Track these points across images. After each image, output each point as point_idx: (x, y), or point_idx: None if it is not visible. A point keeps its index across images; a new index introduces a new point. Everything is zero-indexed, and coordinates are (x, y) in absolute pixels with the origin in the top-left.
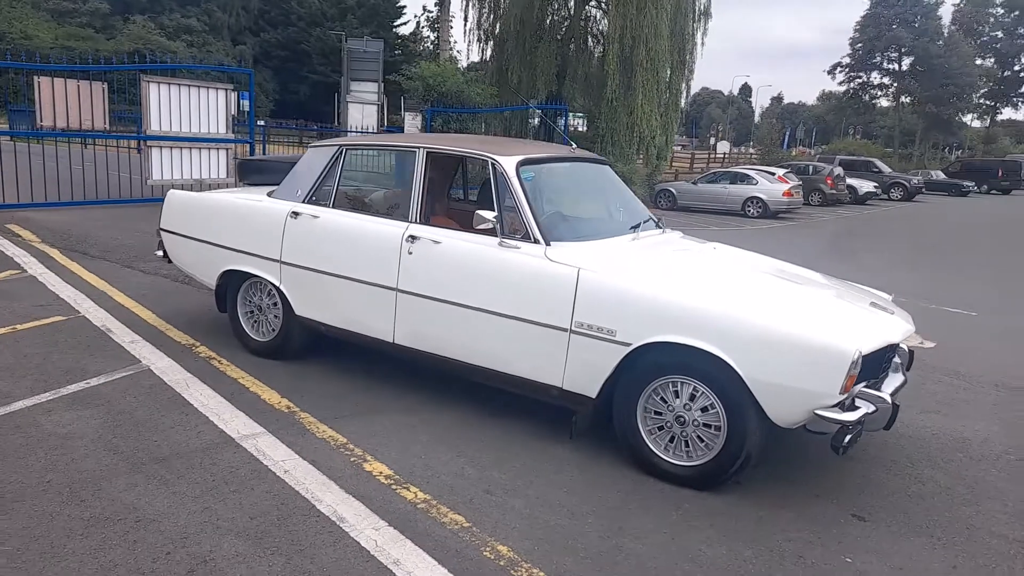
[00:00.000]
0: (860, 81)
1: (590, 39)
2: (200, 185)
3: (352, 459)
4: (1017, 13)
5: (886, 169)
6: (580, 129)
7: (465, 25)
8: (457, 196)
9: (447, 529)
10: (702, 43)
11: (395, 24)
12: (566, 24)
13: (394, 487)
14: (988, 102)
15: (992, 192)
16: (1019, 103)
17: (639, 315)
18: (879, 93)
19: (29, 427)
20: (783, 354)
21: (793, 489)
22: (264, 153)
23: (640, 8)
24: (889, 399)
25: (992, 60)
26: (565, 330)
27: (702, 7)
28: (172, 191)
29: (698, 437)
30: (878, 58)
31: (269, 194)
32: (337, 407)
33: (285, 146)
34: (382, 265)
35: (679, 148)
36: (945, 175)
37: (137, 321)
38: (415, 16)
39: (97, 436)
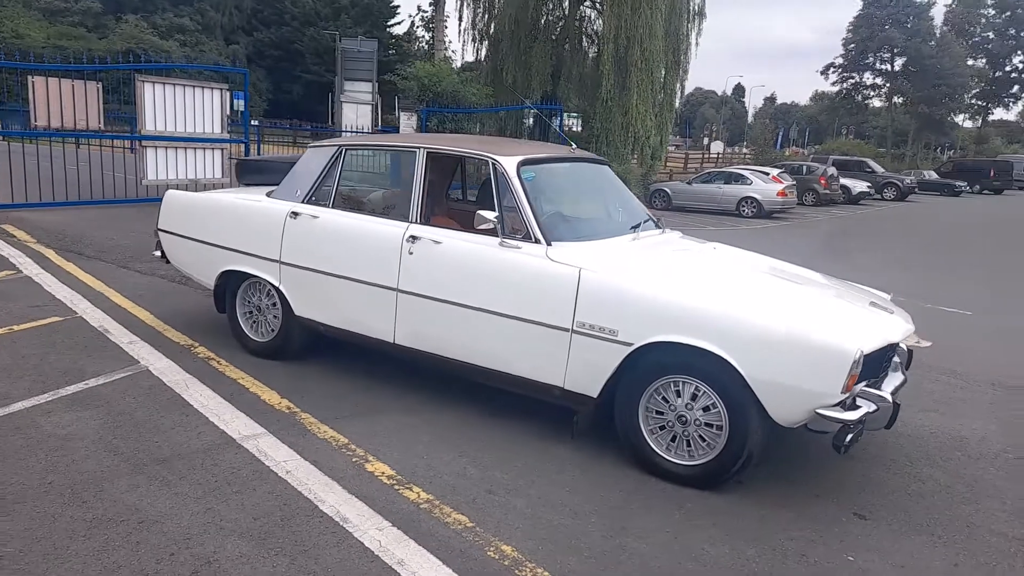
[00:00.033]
0: (853, 81)
1: (584, 39)
2: (195, 185)
3: (354, 459)
4: (1008, 14)
5: (879, 169)
6: (575, 129)
7: (460, 25)
8: (455, 196)
9: (450, 529)
10: (696, 43)
11: (389, 24)
12: (561, 24)
13: (397, 487)
14: (980, 102)
15: (984, 192)
16: (1010, 103)
17: (641, 315)
18: (872, 93)
19: (29, 428)
20: (785, 353)
21: (794, 488)
22: (258, 153)
23: (635, 8)
24: (890, 398)
25: (983, 61)
26: (567, 330)
27: (696, 7)
28: (170, 191)
29: (700, 436)
30: (871, 58)
31: (268, 194)
32: (337, 407)
33: (279, 146)
34: (382, 265)
35: (673, 148)
36: (937, 175)
37: (135, 322)
38: (409, 16)
39: (97, 437)
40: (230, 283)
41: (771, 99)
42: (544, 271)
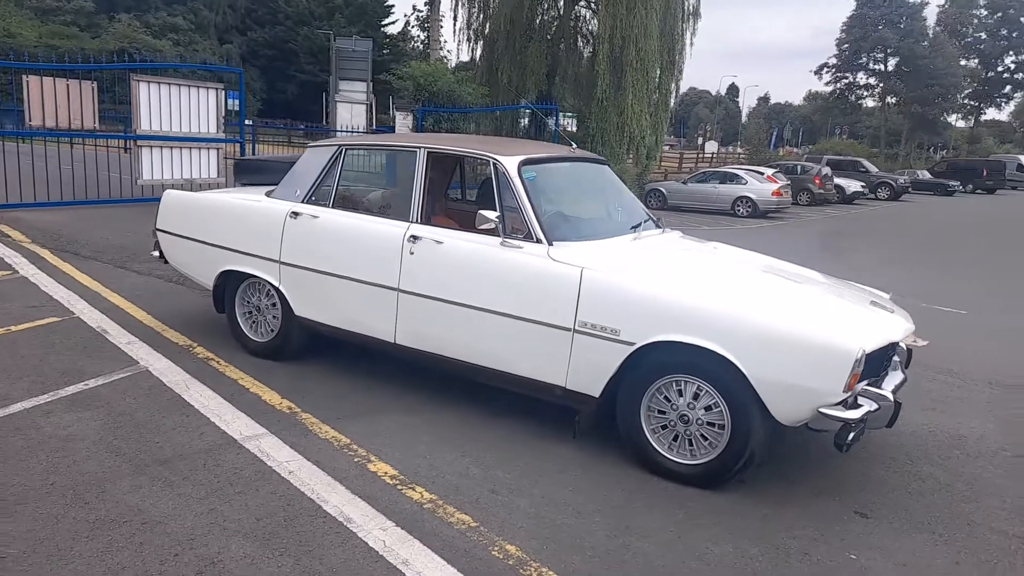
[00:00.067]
0: (847, 81)
1: (580, 39)
2: (190, 185)
3: (356, 459)
4: (1000, 15)
5: (873, 169)
6: (570, 129)
7: (455, 25)
8: (454, 196)
9: (454, 529)
10: (691, 43)
11: (383, 23)
12: (556, 24)
13: (399, 487)
14: (972, 102)
15: (977, 191)
16: (1002, 103)
17: (643, 314)
18: (865, 93)
19: (29, 429)
20: (787, 353)
21: (795, 487)
22: (253, 153)
23: (630, 8)
24: (891, 397)
25: (976, 61)
26: (569, 330)
27: (691, 7)
28: (168, 191)
29: (702, 436)
30: (864, 59)
31: (267, 194)
32: (338, 407)
33: (273, 146)
34: (383, 265)
35: (667, 148)
36: (931, 175)
37: (132, 322)
38: (404, 15)
39: (98, 438)
40: (229, 283)
41: (765, 99)
42: (546, 271)
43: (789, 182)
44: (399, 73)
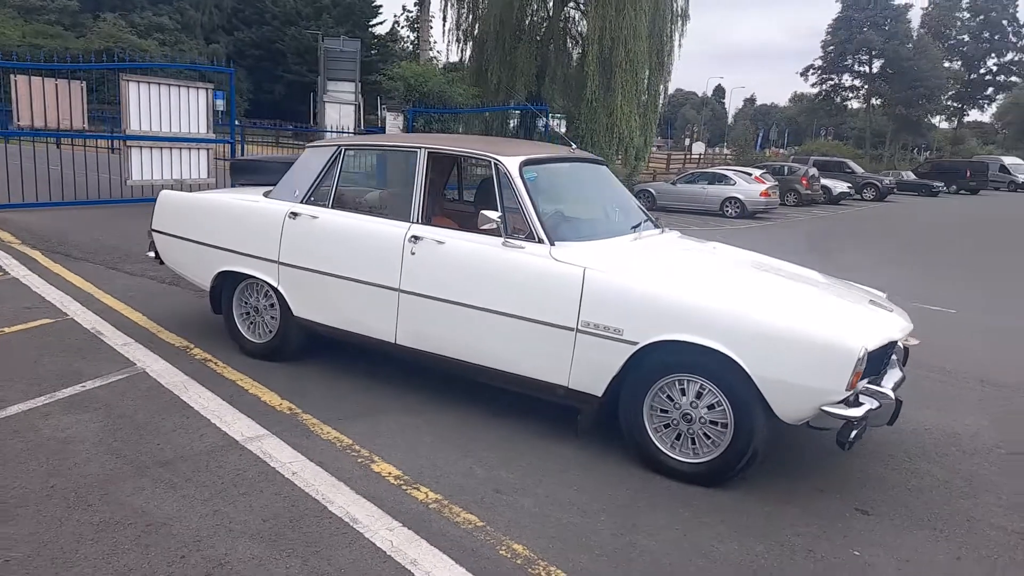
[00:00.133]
0: (832, 83)
1: (569, 40)
2: (180, 186)
3: (359, 460)
4: (982, 17)
5: (859, 170)
6: (559, 130)
7: (444, 25)
8: (451, 196)
9: (461, 529)
10: (680, 44)
11: (371, 24)
12: (545, 25)
13: (404, 488)
14: (955, 104)
15: (961, 192)
16: (984, 105)
17: (646, 314)
18: (850, 95)
19: (27, 432)
20: (790, 351)
21: (797, 484)
22: (242, 153)
23: (619, 10)
24: (892, 395)
25: (959, 63)
26: (571, 329)
27: (680, 9)
28: (164, 191)
29: (705, 434)
30: (849, 60)
31: (265, 194)
32: (339, 408)
33: (261, 146)
34: (384, 265)
35: (655, 149)
36: (915, 176)
37: (127, 323)
38: (394, 16)
39: (98, 440)
40: (227, 284)
41: (751, 100)
42: (548, 271)
43: (777, 183)
44: (389, 73)
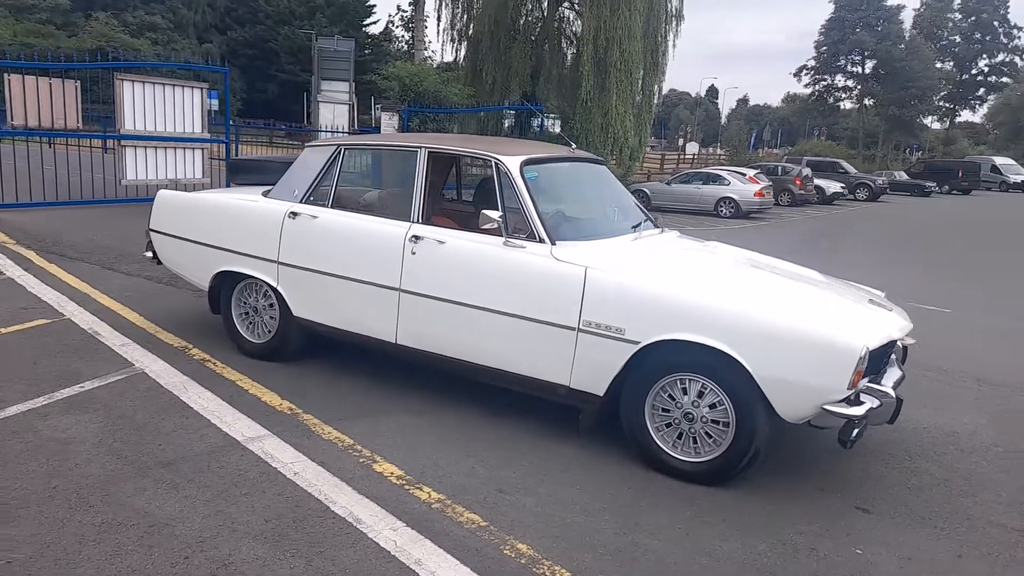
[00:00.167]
0: (825, 84)
1: (564, 40)
2: (175, 185)
3: (361, 460)
4: (973, 18)
5: (852, 170)
6: (553, 130)
7: (439, 25)
8: (449, 196)
9: (464, 528)
10: (674, 45)
11: (364, 23)
12: (540, 25)
13: (407, 488)
14: (947, 104)
15: (953, 192)
16: (976, 106)
17: (648, 313)
18: (843, 95)
19: (26, 432)
20: (792, 350)
21: (797, 483)
22: (237, 153)
23: (614, 10)
24: (893, 393)
25: (951, 64)
26: (573, 329)
27: (674, 9)
28: (162, 191)
29: (706, 433)
30: (842, 61)
31: (264, 194)
32: (339, 408)
33: (255, 146)
34: (384, 265)
35: (648, 149)
36: (908, 176)
37: (125, 323)
38: (388, 15)
39: (98, 440)
40: (225, 284)
41: (744, 101)
42: (550, 270)
43: (771, 183)
44: (385, 73)
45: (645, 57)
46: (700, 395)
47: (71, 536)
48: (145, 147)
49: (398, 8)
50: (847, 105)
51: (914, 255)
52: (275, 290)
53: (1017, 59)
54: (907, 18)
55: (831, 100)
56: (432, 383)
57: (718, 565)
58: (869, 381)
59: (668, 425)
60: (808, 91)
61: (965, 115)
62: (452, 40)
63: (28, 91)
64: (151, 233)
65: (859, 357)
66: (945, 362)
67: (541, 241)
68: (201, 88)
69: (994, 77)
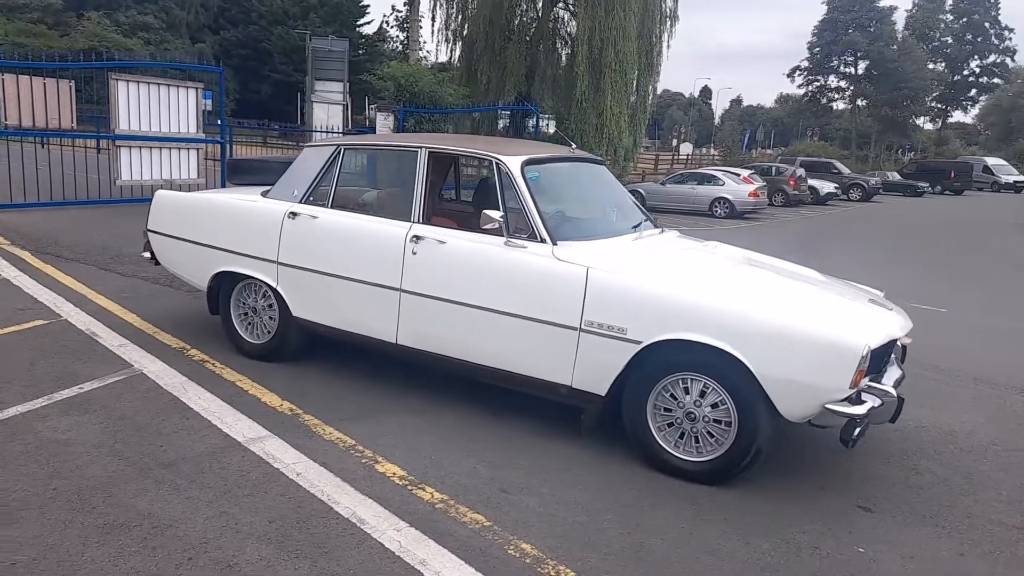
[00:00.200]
0: (818, 84)
1: (558, 41)
2: (170, 186)
3: (363, 461)
4: (965, 20)
5: (845, 170)
6: (548, 130)
7: (433, 25)
8: (447, 196)
9: (468, 528)
10: (668, 45)
11: (358, 23)
12: (535, 26)
13: (409, 488)
14: (939, 105)
15: (945, 193)
16: (968, 106)
17: (650, 313)
18: (836, 96)
19: (26, 434)
20: (794, 350)
21: (798, 482)
22: (231, 153)
23: (608, 10)
24: (894, 392)
25: (943, 65)
26: (575, 329)
27: (669, 10)
28: (160, 191)
29: (708, 433)
30: (835, 62)
31: (263, 194)
32: (340, 408)
33: (248, 146)
34: (385, 265)
35: (642, 149)
36: (900, 176)
37: (122, 324)
38: (383, 16)
39: (99, 442)
40: (224, 284)
41: (738, 101)
42: (551, 270)
43: (765, 183)
44: (380, 73)
45: (640, 58)
46: (702, 394)
47: (74, 538)
48: (140, 147)
49: (393, 8)
50: (840, 106)
51: (909, 255)
52: (274, 290)
53: (1008, 60)
54: (899, 19)
55: (824, 101)
56: (431, 383)
57: (722, 564)
58: (870, 380)
59: (670, 424)
60: (801, 92)
61: (957, 116)
62: (447, 40)
63: (22, 91)
64: (149, 233)
65: (861, 356)
66: (942, 361)
67: (542, 241)
68: (196, 88)
69: (985, 78)
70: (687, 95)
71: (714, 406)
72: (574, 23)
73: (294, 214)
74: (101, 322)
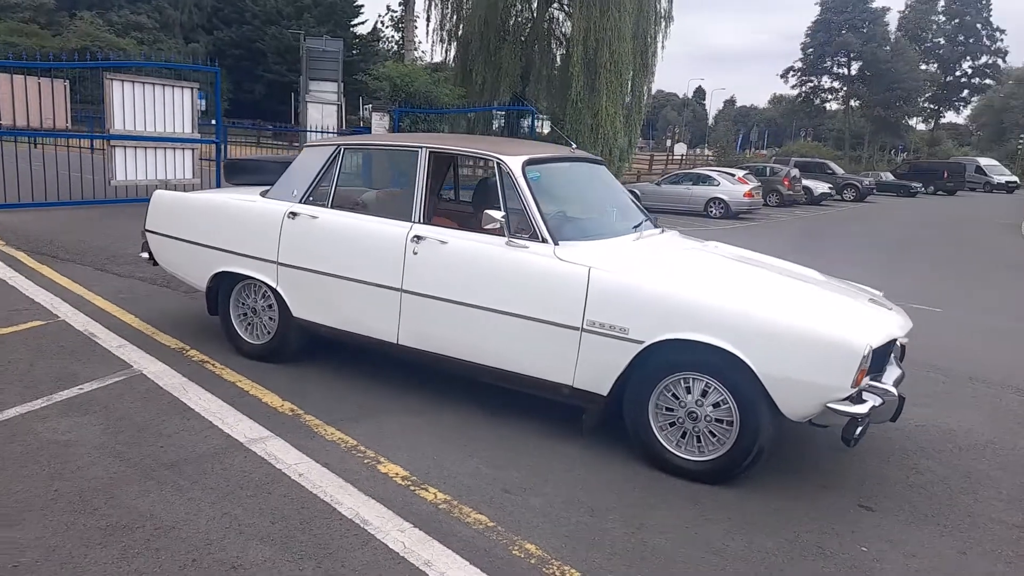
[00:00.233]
0: (811, 85)
1: (553, 41)
2: (165, 186)
3: (366, 461)
4: (957, 21)
5: (839, 171)
6: (543, 131)
7: (428, 26)
8: (446, 196)
9: (472, 529)
10: (663, 46)
11: (352, 24)
12: (530, 26)
13: (412, 488)
14: (932, 106)
15: (938, 193)
16: (960, 107)
17: (653, 313)
18: (829, 97)
19: (26, 435)
20: (796, 349)
21: (800, 482)
22: (225, 153)
23: (603, 11)
24: (895, 391)
25: (935, 65)
26: (577, 329)
27: (664, 11)
28: (158, 191)
29: (710, 432)
30: (828, 63)
31: (262, 194)
32: (341, 409)
33: (242, 146)
34: (386, 265)
35: (637, 150)
36: (894, 176)
37: (120, 325)
38: (378, 16)
39: (99, 443)
40: (223, 285)
41: (731, 102)
42: (553, 270)
43: (760, 184)
44: (376, 73)
45: (635, 58)
46: (704, 394)
47: (77, 539)
48: (135, 147)
49: (388, 8)
50: (833, 106)
51: (902, 254)
52: (274, 291)
53: (1000, 61)
54: (892, 20)
55: (817, 101)
56: (432, 383)
57: (727, 564)
58: (871, 379)
59: (672, 424)
60: (795, 92)
61: (949, 116)
62: (442, 40)
63: (16, 91)
64: (147, 234)
65: (863, 356)
66: (939, 360)
67: (544, 241)
68: (191, 88)
69: (977, 79)
70: (681, 96)
71: (716, 405)
72: (569, 23)
73: (294, 214)
74: (99, 323)
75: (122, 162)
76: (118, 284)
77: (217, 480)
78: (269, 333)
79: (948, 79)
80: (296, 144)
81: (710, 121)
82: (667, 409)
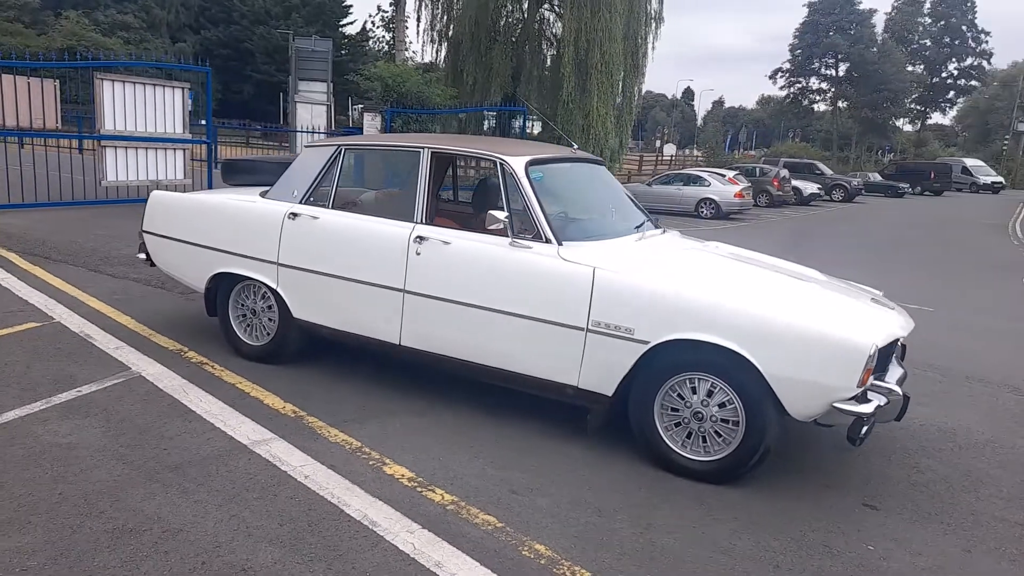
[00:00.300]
0: (799, 86)
1: (544, 42)
2: (156, 186)
3: (371, 463)
4: (943, 23)
5: (827, 171)
6: (534, 132)
7: (419, 26)
8: (445, 197)
9: (481, 530)
10: (653, 47)
11: (341, 24)
12: (520, 26)
13: (419, 490)
14: (918, 107)
15: (925, 193)
16: (946, 108)
17: (658, 313)
18: (817, 98)
19: (26, 438)
20: (802, 349)
21: (804, 481)
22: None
23: (594, 12)
24: (900, 391)
25: (922, 67)
26: (581, 329)
27: (654, 12)
28: (156, 192)
29: (716, 432)
30: (816, 64)
31: (262, 195)
32: (343, 410)
33: (231, 147)
34: (388, 266)
35: (627, 150)
36: (881, 177)
37: (117, 326)
38: (368, 16)
39: (102, 445)
40: (222, 286)
41: (720, 103)
42: (557, 271)
43: (750, 184)
44: (367, 73)
45: (625, 59)
46: (709, 394)
47: (84, 543)
48: (126, 148)
49: (378, 8)
50: (821, 107)
51: (892, 254)
52: (274, 292)
53: (985, 63)
54: (879, 22)
55: (805, 102)
56: (434, 384)
57: (735, 563)
58: (876, 379)
59: (677, 424)
60: (783, 93)
61: (935, 118)
62: (432, 41)
63: (6, 90)
64: (144, 235)
65: (869, 355)
66: (935, 360)
67: (548, 241)
68: (182, 88)
69: (963, 80)
70: (670, 96)
71: (721, 405)
72: (560, 24)
73: (295, 215)
74: (95, 324)
75: (113, 162)
76: (112, 285)
77: (222, 482)
78: (269, 334)
79: (934, 80)
80: (286, 144)
81: (699, 122)
82: (672, 409)
